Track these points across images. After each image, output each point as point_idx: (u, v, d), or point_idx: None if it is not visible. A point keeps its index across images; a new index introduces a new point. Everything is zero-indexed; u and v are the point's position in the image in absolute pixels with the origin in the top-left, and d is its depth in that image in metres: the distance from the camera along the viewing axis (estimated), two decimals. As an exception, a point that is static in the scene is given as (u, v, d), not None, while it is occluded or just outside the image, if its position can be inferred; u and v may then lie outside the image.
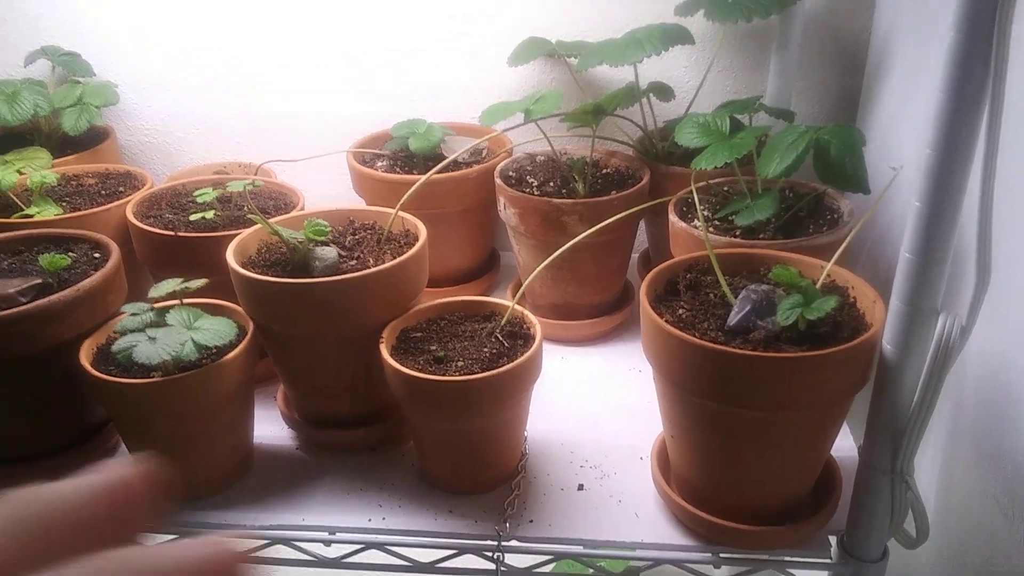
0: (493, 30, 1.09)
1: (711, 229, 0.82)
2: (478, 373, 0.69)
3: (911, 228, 0.54)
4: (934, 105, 0.51)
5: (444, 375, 0.70)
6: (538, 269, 0.81)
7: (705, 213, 0.86)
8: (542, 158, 1.02)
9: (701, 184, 0.86)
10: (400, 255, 0.77)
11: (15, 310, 0.71)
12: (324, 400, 0.82)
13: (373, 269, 0.74)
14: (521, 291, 0.79)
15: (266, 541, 0.74)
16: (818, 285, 0.68)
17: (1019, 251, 0.63)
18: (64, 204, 0.95)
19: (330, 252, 0.78)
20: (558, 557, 0.71)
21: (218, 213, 0.89)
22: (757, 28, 1.04)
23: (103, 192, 0.99)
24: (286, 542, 0.73)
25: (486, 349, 0.73)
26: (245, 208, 0.92)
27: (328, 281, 0.73)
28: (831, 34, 1.05)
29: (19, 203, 0.93)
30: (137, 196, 0.94)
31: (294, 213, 0.88)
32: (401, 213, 0.83)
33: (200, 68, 1.15)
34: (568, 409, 0.86)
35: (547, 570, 0.73)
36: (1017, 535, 0.61)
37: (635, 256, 1.08)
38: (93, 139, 1.11)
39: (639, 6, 1.05)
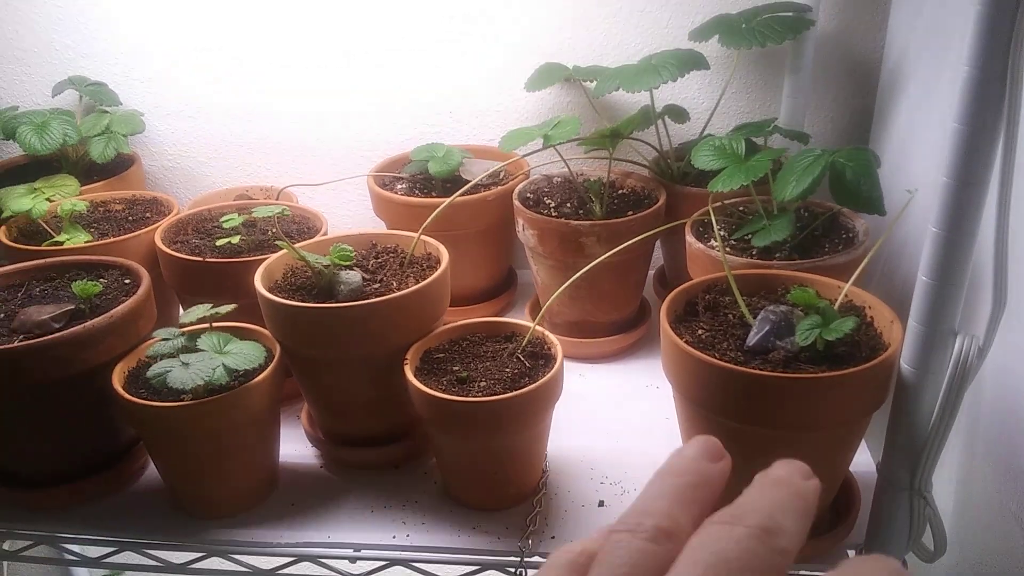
0: (510, 55, 1.11)
1: (728, 250, 0.83)
2: (501, 394, 0.71)
3: (928, 252, 0.56)
4: (950, 135, 0.52)
5: (467, 395, 0.71)
6: (559, 291, 0.82)
7: (722, 234, 0.87)
8: (559, 179, 1.04)
9: (717, 205, 0.87)
10: (423, 278, 0.78)
11: (50, 337, 0.73)
12: (348, 419, 0.83)
13: (398, 293, 0.76)
14: (542, 312, 0.81)
15: (292, 559, 0.75)
16: (836, 305, 0.69)
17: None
18: (93, 230, 0.98)
19: (354, 276, 0.80)
20: (581, 574, 0.72)
21: (243, 238, 0.91)
22: (771, 50, 1.05)
23: (130, 218, 1.02)
24: (312, 559, 0.75)
25: (508, 369, 0.75)
26: (270, 232, 0.94)
27: (354, 306, 0.74)
28: (844, 55, 1.07)
29: (49, 230, 0.96)
30: (164, 223, 0.96)
31: (318, 238, 0.90)
32: (423, 236, 0.85)
33: (222, 94, 1.18)
34: (587, 426, 0.87)
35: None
36: (1036, 551, 0.62)
37: (651, 273, 1.10)
38: (119, 166, 1.13)
39: (654, 31, 1.07)
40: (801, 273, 0.75)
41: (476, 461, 0.75)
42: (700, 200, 0.91)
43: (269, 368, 0.74)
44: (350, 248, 0.81)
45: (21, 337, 0.75)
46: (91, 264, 0.88)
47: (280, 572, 0.77)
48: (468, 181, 0.95)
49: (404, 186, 1.07)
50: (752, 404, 0.62)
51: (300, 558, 0.75)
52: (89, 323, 0.74)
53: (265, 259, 0.82)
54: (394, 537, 0.75)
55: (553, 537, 0.74)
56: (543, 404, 0.73)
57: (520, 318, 0.82)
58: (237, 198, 1.11)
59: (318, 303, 0.75)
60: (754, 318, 0.69)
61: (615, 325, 1.00)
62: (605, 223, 0.91)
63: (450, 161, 1.03)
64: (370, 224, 1.11)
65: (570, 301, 0.97)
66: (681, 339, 0.66)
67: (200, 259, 0.88)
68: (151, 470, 0.83)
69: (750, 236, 0.83)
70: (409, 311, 0.77)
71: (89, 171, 1.11)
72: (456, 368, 0.76)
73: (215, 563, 0.77)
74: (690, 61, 0.94)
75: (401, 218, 1.00)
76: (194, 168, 1.23)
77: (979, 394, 0.71)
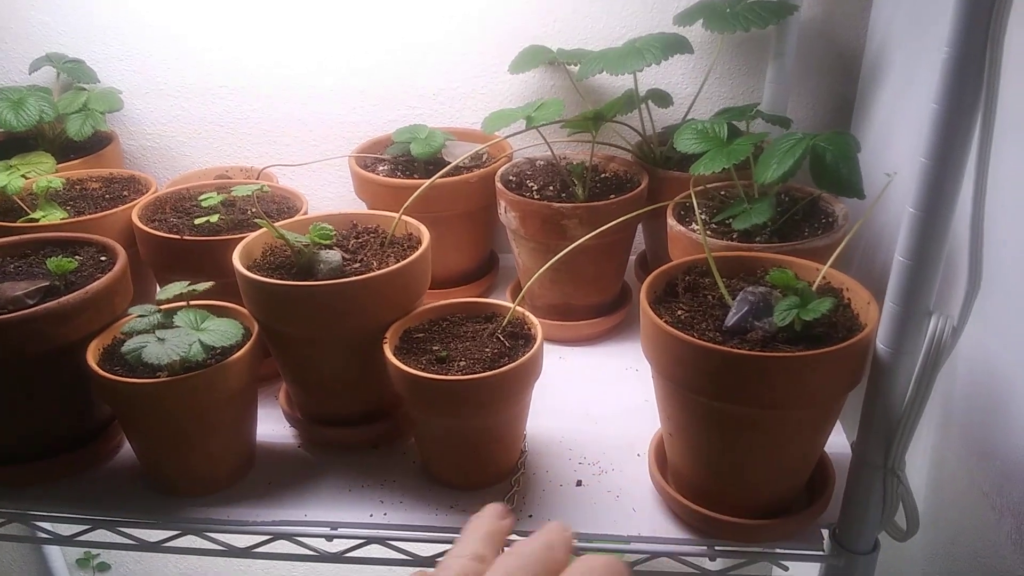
0: (494, 37, 1.10)
1: (709, 233, 0.84)
2: (480, 372, 0.71)
3: (905, 233, 0.56)
4: (928, 115, 0.52)
5: (447, 375, 0.71)
6: (540, 272, 0.82)
7: (703, 217, 0.87)
8: (542, 163, 1.04)
9: (699, 188, 0.87)
10: (403, 258, 0.78)
11: (23, 312, 0.72)
12: (327, 399, 0.83)
13: (377, 272, 0.75)
14: (522, 293, 0.81)
15: (268, 536, 0.75)
16: (814, 287, 0.69)
17: (1009, 254, 0.64)
18: (69, 208, 0.97)
19: (334, 255, 0.79)
20: (558, 552, 0.73)
21: (222, 217, 0.90)
22: (754, 36, 1.05)
23: (107, 196, 1.01)
24: (288, 537, 0.75)
25: (488, 349, 0.75)
26: (249, 212, 0.93)
27: (332, 284, 0.74)
28: (827, 42, 1.07)
29: (24, 207, 0.95)
30: (142, 200, 0.95)
31: (298, 217, 0.90)
32: (404, 217, 0.84)
33: (202, 73, 1.17)
34: (567, 408, 0.88)
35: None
36: (1005, 528, 0.63)
37: (632, 258, 1.10)
38: (97, 144, 1.12)
39: (638, 15, 1.07)
40: (780, 255, 0.76)
41: (455, 440, 0.75)
42: (682, 184, 0.91)
43: (247, 345, 0.74)
44: (330, 227, 0.81)
45: (-6, 313, 0.74)
46: (67, 241, 0.87)
47: (256, 550, 0.76)
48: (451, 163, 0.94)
49: (386, 167, 1.06)
50: (730, 383, 0.62)
51: (276, 536, 0.75)
52: (64, 299, 0.74)
53: (244, 238, 0.82)
54: (372, 516, 0.75)
55: (531, 516, 0.74)
56: (522, 383, 0.73)
57: (501, 300, 0.82)
58: (217, 178, 1.10)
59: (297, 282, 0.75)
60: (733, 299, 0.69)
61: (596, 308, 1.00)
62: (587, 206, 0.91)
63: (433, 143, 1.02)
64: (351, 206, 1.11)
65: (551, 284, 0.97)
66: (661, 319, 0.66)
67: (178, 237, 0.87)
68: (126, 448, 0.83)
69: (731, 220, 0.84)
70: (389, 290, 0.76)
71: (66, 149, 1.10)
72: (436, 348, 0.76)
73: (191, 541, 0.76)
74: (674, 45, 0.94)
75: (382, 199, 0.99)
76: (173, 148, 1.22)
77: (953, 376, 0.72)
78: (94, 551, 1.54)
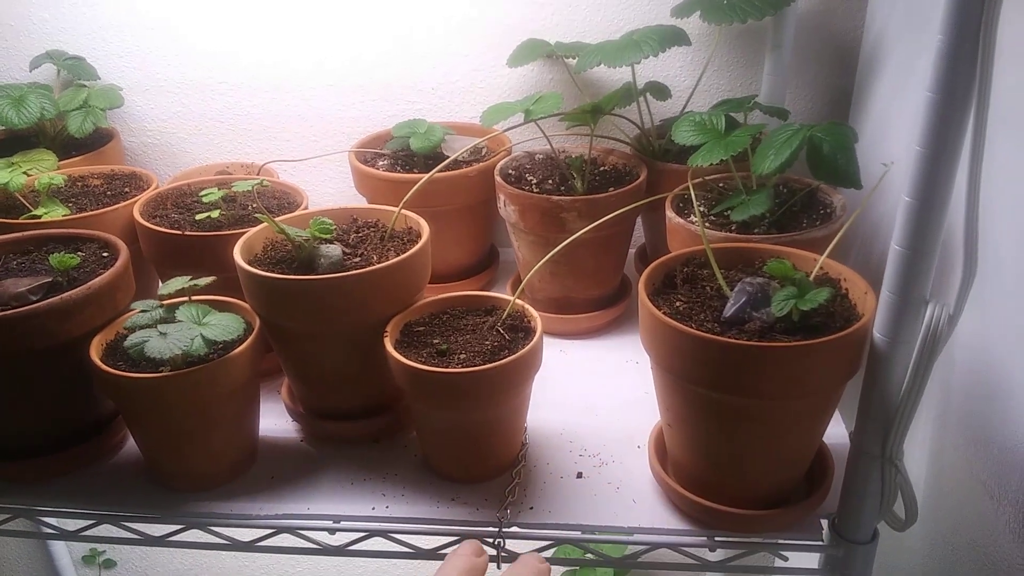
0: (492, 31, 1.10)
1: (707, 224, 0.84)
2: (480, 365, 0.71)
3: (901, 222, 0.56)
4: (923, 104, 0.53)
5: (447, 367, 0.71)
6: (539, 264, 0.83)
7: (701, 209, 0.87)
8: (541, 156, 1.04)
9: (697, 180, 0.87)
10: (403, 252, 0.78)
11: (27, 308, 0.73)
12: (328, 393, 0.83)
13: (377, 266, 0.76)
14: (522, 286, 0.81)
15: (272, 530, 0.76)
16: (811, 277, 0.69)
17: (1005, 242, 0.65)
18: (71, 205, 0.97)
19: (334, 250, 0.80)
20: (558, 543, 0.73)
21: (223, 213, 0.91)
22: (751, 28, 1.05)
23: (109, 193, 1.01)
24: (291, 531, 0.75)
25: (488, 342, 0.75)
26: (250, 207, 0.93)
27: (333, 278, 0.74)
28: (824, 34, 1.07)
29: (27, 204, 0.95)
30: (143, 197, 0.95)
31: (299, 212, 0.90)
32: (404, 211, 0.85)
33: (202, 69, 1.17)
34: (567, 400, 0.88)
35: (547, 555, 0.75)
36: (1003, 517, 0.63)
37: (632, 251, 1.10)
38: (98, 141, 1.12)
39: (636, 7, 1.07)
40: (778, 247, 0.76)
41: (456, 433, 0.76)
42: (681, 177, 0.91)
43: (248, 340, 0.74)
44: (330, 222, 0.81)
45: (-3, 309, 0.74)
46: (69, 237, 0.87)
47: (260, 543, 0.77)
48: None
49: (386, 162, 1.07)
50: (728, 373, 0.63)
51: (279, 530, 0.75)
52: (67, 294, 0.74)
53: (245, 233, 0.82)
54: (373, 508, 0.75)
55: (532, 508, 0.74)
56: (522, 376, 0.74)
57: (501, 294, 0.82)
58: (218, 174, 1.11)
59: (298, 276, 0.75)
60: (731, 290, 0.69)
61: (596, 301, 1.01)
62: (586, 198, 0.91)
63: (432, 137, 1.03)
64: (352, 201, 1.11)
65: (551, 277, 0.98)
66: (659, 310, 0.66)
67: (179, 232, 0.87)
68: (130, 443, 0.83)
69: (729, 211, 0.84)
70: (389, 284, 0.77)
71: (67, 146, 1.11)
72: (436, 341, 0.76)
73: (194, 535, 0.77)
74: (671, 37, 0.94)
75: (382, 194, 1.00)
76: (174, 144, 1.22)
77: (950, 365, 0.72)
78: (100, 547, 1.54)
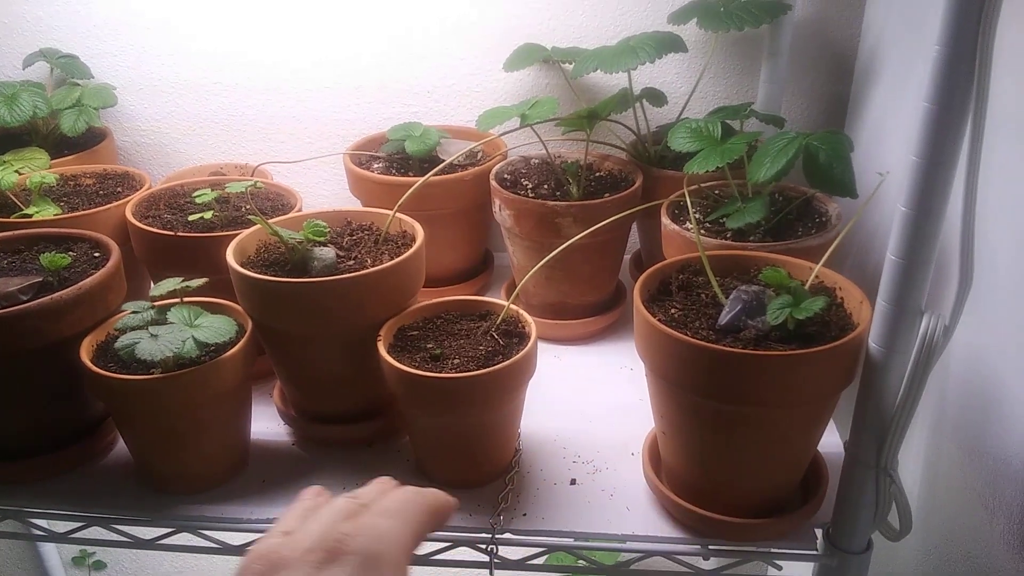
0: (489, 35, 1.10)
1: (703, 231, 0.84)
2: (474, 370, 0.71)
3: (897, 231, 0.56)
4: (920, 114, 0.53)
5: (441, 372, 0.71)
6: (534, 270, 0.83)
7: (697, 216, 0.87)
8: (536, 161, 1.04)
9: (693, 187, 0.87)
10: (397, 256, 0.78)
11: (17, 307, 0.72)
12: (321, 396, 0.83)
13: (371, 269, 0.75)
14: (516, 291, 0.81)
15: (262, 534, 0.75)
16: (807, 286, 0.69)
17: (1001, 253, 0.65)
18: (62, 204, 0.96)
19: (328, 252, 0.79)
20: (550, 549, 0.73)
21: (216, 214, 0.90)
22: (748, 35, 1.06)
23: (101, 192, 1.00)
24: (283, 536, 0.74)
25: (482, 347, 0.75)
26: (243, 209, 0.93)
27: (326, 281, 0.74)
28: (820, 42, 1.07)
29: (18, 203, 0.94)
30: (136, 197, 0.95)
31: (292, 214, 0.90)
32: (399, 214, 0.84)
33: (196, 69, 1.16)
34: (561, 406, 0.88)
35: (540, 562, 0.74)
36: (998, 528, 0.63)
37: (627, 257, 1.10)
38: (90, 140, 1.12)
39: (633, 13, 1.07)
40: (773, 255, 0.76)
41: (449, 438, 0.75)
42: (677, 183, 0.91)
43: (240, 342, 0.74)
44: (324, 224, 0.81)
45: (-13, 309, 0.74)
46: (60, 237, 0.87)
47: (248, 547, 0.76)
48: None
49: (381, 165, 1.06)
50: (723, 381, 0.62)
51: (270, 534, 0.75)
52: (57, 295, 0.74)
53: (238, 235, 0.82)
54: (365, 513, 0.74)
55: (525, 514, 0.74)
56: (516, 382, 0.73)
57: (496, 299, 0.82)
58: (211, 175, 1.10)
59: (291, 279, 0.75)
60: (726, 298, 0.69)
61: (591, 307, 1.00)
62: (581, 204, 0.91)
63: (427, 140, 1.02)
64: (346, 204, 1.10)
65: (546, 283, 0.97)
66: (654, 317, 0.66)
67: (172, 233, 0.87)
68: (120, 445, 0.83)
69: (724, 219, 0.84)
70: (383, 288, 0.76)
71: (60, 145, 1.10)
72: (430, 345, 0.76)
73: (185, 539, 0.76)
74: (668, 43, 0.94)
75: (377, 197, 0.99)
76: (167, 144, 1.22)
77: (945, 375, 0.72)
78: (89, 549, 1.53)
